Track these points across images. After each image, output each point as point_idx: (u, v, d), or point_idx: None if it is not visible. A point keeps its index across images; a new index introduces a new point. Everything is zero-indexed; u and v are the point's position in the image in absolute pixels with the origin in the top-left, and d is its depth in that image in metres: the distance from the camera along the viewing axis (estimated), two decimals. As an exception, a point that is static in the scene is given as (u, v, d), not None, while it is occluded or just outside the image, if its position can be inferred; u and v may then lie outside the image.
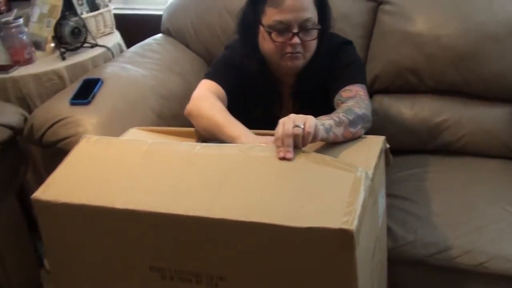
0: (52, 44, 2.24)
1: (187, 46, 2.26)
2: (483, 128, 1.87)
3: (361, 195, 1.02)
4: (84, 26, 2.22)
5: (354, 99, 1.43)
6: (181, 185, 1.12)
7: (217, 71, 1.58)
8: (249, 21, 1.55)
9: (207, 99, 1.46)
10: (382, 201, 1.29)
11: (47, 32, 2.25)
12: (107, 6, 2.46)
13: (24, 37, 2.16)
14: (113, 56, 2.28)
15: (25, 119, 1.85)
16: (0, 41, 2.19)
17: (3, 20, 2.19)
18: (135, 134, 1.46)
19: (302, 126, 1.14)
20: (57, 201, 1.14)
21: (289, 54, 1.49)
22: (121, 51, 2.38)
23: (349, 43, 1.64)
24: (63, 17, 2.18)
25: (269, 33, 1.48)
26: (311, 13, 1.47)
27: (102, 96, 1.81)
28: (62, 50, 2.18)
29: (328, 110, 1.36)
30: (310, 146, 1.19)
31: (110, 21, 2.48)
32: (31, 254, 2.05)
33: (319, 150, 1.23)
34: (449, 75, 1.88)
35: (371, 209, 1.12)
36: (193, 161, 1.17)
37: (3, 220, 1.87)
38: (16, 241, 1.97)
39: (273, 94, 1.63)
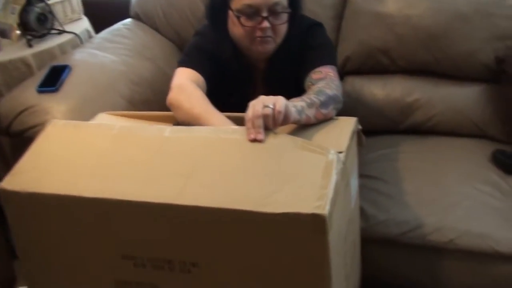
0: (18, 32, 2.19)
1: (157, 30, 2.23)
2: (454, 107, 1.88)
3: (333, 179, 1.01)
4: (51, 12, 2.17)
5: (324, 81, 1.42)
6: (151, 171, 1.10)
7: (192, 58, 1.54)
8: (218, 5, 1.52)
9: (186, 89, 1.42)
10: (354, 183, 1.29)
11: (12, 19, 2.20)
12: (74, -9, 2.41)
13: (-12, 25, 2.12)
14: (81, 43, 2.25)
15: (-8, 109, 1.81)
16: (-36, 30, 2.15)
17: (-34, 7, 2.15)
18: (104, 119, 1.43)
19: (272, 107, 1.13)
20: (24, 191, 1.12)
21: (259, 39, 1.47)
22: (90, 37, 2.35)
23: (319, 25, 1.63)
24: (28, 3, 2.14)
25: (238, 18, 1.45)
26: None
27: (70, 83, 1.78)
28: (29, 37, 2.14)
29: (301, 93, 1.35)
30: (282, 129, 1.18)
31: (78, 6, 2.44)
32: (3, 245, 2.02)
33: (291, 133, 1.22)
34: (420, 55, 1.89)
35: (344, 191, 1.12)
36: (163, 146, 1.16)
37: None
38: (-14, 233, 1.94)
39: (247, 80, 1.62)
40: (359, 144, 1.30)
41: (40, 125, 1.62)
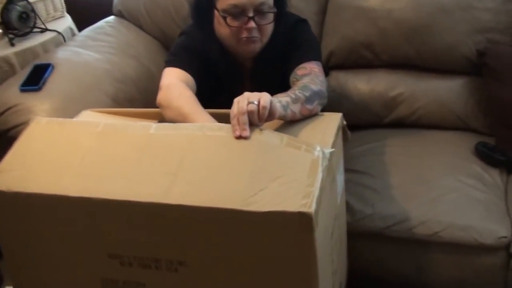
0: (0, 30, 2.17)
1: (141, 28, 2.22)
2: (437, 101, 1.90)
3: (319, 176, 1.01)
4: (33, 10, 2.16)
5: (309, 76, 1.42)
6: (138, 169, 1.10)
7: (179, 58, 1.52)
8: (203, 5, 1.51)
9: (175, 89, 1.41)
10: (340, 178, 1.30)
11: (-6, 18, 2.17)
12: (56, -11, 2.39)
13: (-30, 24, 2.10)
14: (64, 41, 2.23)
15: (-26, 109, 1.79)
16: None
17: None
18: (88, 116, 1.42)
19: (256, 103, 1.13)
20: (9, 190, 1.11)
21: (245, 39, 1.47)
22: (73, 35, 2.33)
23: (303, 21, 1.62)
24: (9, 2, 2.11)
25: (224, 18, 1.44)
26: None
27: (53, 82, 1.77)
28: (11, 36, 2.12)
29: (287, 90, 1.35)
30: (267, 125, 1.18)
31: (60, 4, 2.42)
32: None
33: (277, 129, 1.22)
34: (403, 49, 1.90)
35: (330, 188, 1.12)
36: (149, 143, 1.15)
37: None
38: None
39: (234, 78, 1.61)
40: (344, 139, 1.31)
41: (24, 124, 1.59)
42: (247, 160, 1.07)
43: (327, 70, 1.61)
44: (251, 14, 1.43)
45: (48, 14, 2.36)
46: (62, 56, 1.95)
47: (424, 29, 1.86)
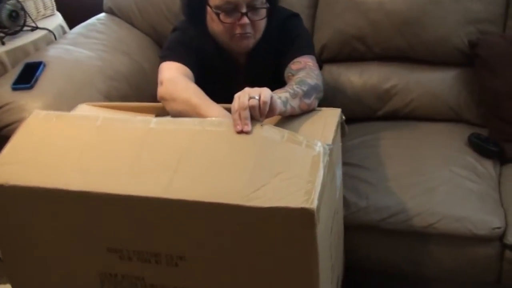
0: (-10, 29, 2.16)
1: (132, 24, 2.21)
2: (430, 92, 1.90)
3: (321, 172, 1.01)
4: (22, 8, 2.14)
5: (304, 71, 1.43)
6: (137, 164, 1.09)
7: (176, 52, 1.51)
8: (195, 2, 1.51)
9: (180, 81, 1.40)
10: (339, 173, 1.30)
11: (-17, 17, 2.16)
12: (45, -13, 2.38)
13: (-40, 23, 2.08)
14: (55, 39, 2.22)
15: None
16: None
17: None
18: (85, 110, 1.41)
19: (257, 98, 1.13)
20: (7, 183, 1.10)
21: (238, 35, 1.46)
22: (64, 33, 2.31)
23: (296, 15, 1.62)
24: (-1, 1, 2.10)
25: (217, 14, 1.44)
26: None
27: (45, 80, 1.76)
28: (1, 34, 2.10)
29: (281, 85, 1.34)
30: (267, 121, 1.18)
31: (50, 2, 2.41)
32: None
33: (277, 124, 1.22)
34: (395, 41, 1.91)
35: (330, 183, 1.13)
36: (149, 138, 1.14)
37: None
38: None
39: (229, 74, 1.61)
40: (342, 134, 1.32)
41: (16, 123, 1.60)
42: (248, 155, 1.07)
43: (321, 63, 1.61)
44: (244, 10, 1.43)
45: (38, 12, 2.34)
46: (53, 54, 1.94)
47: (415, 20, 1.86)
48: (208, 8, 1.47)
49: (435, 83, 1.91)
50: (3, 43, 2.10)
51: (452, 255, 1.53)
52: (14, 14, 2.11)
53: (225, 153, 1.09)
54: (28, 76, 1.75)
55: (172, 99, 1.35)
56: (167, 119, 1.21)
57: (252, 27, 1.47)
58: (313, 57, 1.51)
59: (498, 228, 1.48)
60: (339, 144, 1.29)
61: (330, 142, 1.14)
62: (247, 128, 1.11)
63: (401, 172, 1.65)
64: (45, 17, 2.38)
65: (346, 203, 1.57)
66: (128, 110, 1.41)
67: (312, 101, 1.31)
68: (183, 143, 1.11)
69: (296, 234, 0.98)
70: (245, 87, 1.19)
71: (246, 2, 1.42)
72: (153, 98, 1.75)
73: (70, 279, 1.20)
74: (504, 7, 1.87)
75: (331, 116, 1.26)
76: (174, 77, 1.42)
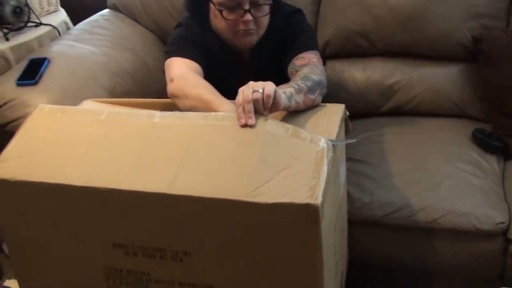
0: (-6, 25, 2.16)
1: (136, 21, 2.21)
2: (433, 88, 1.90)
3: (325, 168, 1.01)
4: (26, 4, 2.14)
5: (308, 66, 1.43)
6: (142, 158, 1.09)
7: (183, 48, 1.51)
8: None
9: (190, 78, 1.40)
10: (343, 170, 1.31)
11: (-13, 13, 2.16)
12: (49, -17, 2.38)
13: (-36, 19, 2.08)
14: (59, 35, 2.22)
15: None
16: None
17: None
18: (90, 106, 1.41)
19: (261, 91, 1.14)
20: (13, 179, 1.10)
21: (241, 31, 1.46)
22: (68, 29, 2.31)
23: (299, 11, 1.63)
24: (3, -4, 2.10)
25: (220, 11, 1.44)
26: None
27: (50, 76, 1.76)
28: (5, 30, 2.10)
29: (285, 81, 1.35)
30: (272, 116, 1.18)
31: (54, -2, 2.41)
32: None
33: (281, 119, 1.22)
34: (398, 37, 1.91)
35: (334, 179, 1.13)
36: (153, 132, 1.14)
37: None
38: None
39: (232, 70, 1.61)
40: (346, 131, 1.32)
41: (21, 119, 1.61)
42: (252, 151, 1.07)
43: (324, 59, 1.62)
44: (247, 7, 1.43)
45: (42, 8, 2.34)
46: (57, 50, 1.94)
47: (419, 16, 1.86)
48: (211, 5, 1.47)
49: (439, 78, 1.91)
50: (7, 39, 2.10)
51: (455, 250, 1.53)
52: (18, 10, 2.11)
53: (230, 148, 1.09)
54: (32, 72, 1.76)
55: (184, 96, 1.35)
56: (172, 113, 1.20)
57: (255, 24, 1.47)
58: (317, 53, 1.52)
59: (502, 223, 1.48)
60: (343, 139, 1.29)
61: (334, 137, 1.14)
62: (251, 121, 1.11)
63: (404, 167, 1.65)
64: (49, 13, 2.38)
65: (350, 198, 1.57)
66: (133, 106, 1.40)
67: (316, 96, 1.31)
68: (188, 137, 1.11)
69: (300, 230, 0.98)
70: (249, 81, 1.19)
71: None
72: (157, 94, 1.77)
73: (75, 274, 1.20)
74: (507, 2, 1.87)
75: (335, 112, 1.26)
76: (184, 73, 1.42)
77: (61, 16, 2.38)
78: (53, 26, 2.22)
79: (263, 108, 1.14)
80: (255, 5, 1.44)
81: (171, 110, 1.34)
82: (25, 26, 2.17)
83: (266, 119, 1.13)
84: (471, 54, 1.86)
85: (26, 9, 2.15)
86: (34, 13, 2.22)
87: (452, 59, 1.91)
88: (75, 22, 2.30)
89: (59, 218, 1.13)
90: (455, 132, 1.80)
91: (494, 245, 1.50)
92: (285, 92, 1.21)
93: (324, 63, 1.60)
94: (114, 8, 2.25)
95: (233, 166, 1.05)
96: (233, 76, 1.59)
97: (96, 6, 2.32)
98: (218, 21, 1.48)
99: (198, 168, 1.05)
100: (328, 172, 1.02)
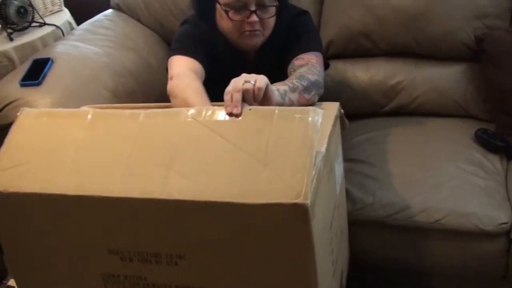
0: (-2, 25, 2.17)
1: (139, 21, 2.21)
2: (436, 88, 1.90)
3: (312, 162, 0.99)
4: (30, 5, 2.15)
5: (306, 66, 1.43)
6: (131, 162, 1.08)
7: (186, 46, 1.50)
8: None
9: (184, 79, 1.39)
10: (339, 168, 1.30)
11: (-8, 13, 2.17)
12: (53, -17, 2.39)
13: (-32, 20, 2.09)
14: (63, 35, 2.23)
15: (-25, 104, 1.79)
16: None
17: None
18: None
19: (252, 82, 1.13)
20: (6, 191, 1.10)
21: (247, 33, 1.46)
22: (72, 29, 2.32)
23: (305, 13, 1.62)
24: (7, -4, 2.11)
25: (226, 12, 1.44)
26: None
27: (53, 76, 1.77)
28: (9, 31, 2.11)
29: None
30: None
31: (58, -2, 2.42)
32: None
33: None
34: (401, 37, 1.90)
35: (327, 178, 1.12)
36: (140, 133, 1.12)
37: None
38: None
39: (237, 70, 1.60)
40: (342, 128, 1.31)
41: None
42: (239, 146, 1.04)
43: (327, 62, 1.61)
44: (253, 8, 1.43)
45: (46, 8, 2.35)
46: (61, 50, 1.94)
47: (421, 16, 1.86)
48: (218, 5, 1.47)
49: (442, 78, 1.90)
50: (11, 39, 2.11)
51: (458, 250, 1.53)
52: (22, 10, 2.12)
53: (217, 144, 1.06)
54: (36, 72, 1.76)
55: (175, 96, 1.35)
56: (156, 111, 1.16)
57: (261, 25, 1.47)
58: (318, 54, 1.51)
59: (505, 223, 1.48)
60: (338, 138, 1.28)
61: (327, 136, 1.13)
62: (237, 110, 1.07)
63: (407, 168, 1.65)
64: (53, 13, 2.39)
65: (352, 199, 1.57)
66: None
67: (312, 96, 1.31)
68: (175, 137, 1.10)
69: (291, 230, 0.97)
70: None
71: (256, 0, 1.42)
72: (160, 94, 1.77)
73: (74, 281, 1.20)
74: (511, 2, 1.86)
75: (329, 110, 1.25)
76: (181, 73, 1.41)
77: (65, 16, 2.38)
78: (57, 26, 2.23)
79: (253, 99, 1.12)
80: (261, 6, 1.44)
81: None
82: (29, 26, 2.18)
83: (250, 109, 1.10)
84: (474, 54, 1.86)
85: (30, 9, 2.16)
86: (38, 13, 2.23)
87: (456, 59, 1.90)
88: (78, 22, 2.31)
89: (53, 227, 1.13)
90: (458, 132, 1.80)
91: (497, 245, 1.50)
92: (278, 89, 1.21)
93: (328, 66, 1.60)
94: (118, 8, 2.26)
95: (221, 165, 1.03)
96: (237, 75, 1.59)
97: (100, 6, 2.33)
98: (224, 21, 1.48)
99: (187, 169, 1.04)
100: (319, 170, 1.01)
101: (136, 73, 1.97)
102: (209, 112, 1.12)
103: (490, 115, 1.85)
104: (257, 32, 1.47)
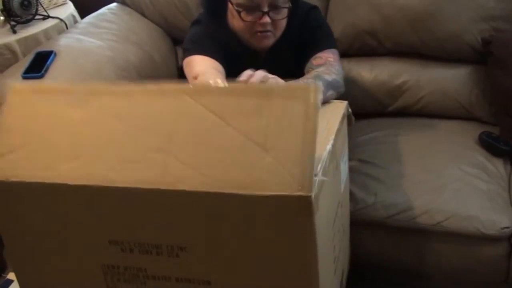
0: (2, 18, 2.16)
1: (143, 15, 2.20)
2: (441, 89, 1.89)
3: (315, 148, 0.95)
4: (35, -3, 2.15)
5: (324, 66, 1.43)
6: (128, 146, 1.04)
7: (204, 46, 1.50)
8: None
9: (211, 76, 1.38)
10: (344, 167, 1.29)
11: (-5, 5, 2.17)
12: (58, -24, 2.38)
13: (-29, 11, 2.09)
14: (67, 28, 2.22)
15: (-23, 96, 1.79)
16: None
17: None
18: None
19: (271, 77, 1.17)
20: (8, 179, 1.08)
21: (259, 33, 1.46)
22: (75, 22, 2.32)
23: (315, 8, 1.62)
24: (11, -11, 2.11)
25: (238, 12, 1.43)
26: None
27: (56, 69, 1.76)
28: (13, 23, 2.11)
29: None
30: None
31: (62, -9, 2.41)
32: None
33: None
34: (407, 36, 1.89)
35: (333, 174, 1.12)
36: (134, 111, 1.07)
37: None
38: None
39: (250, 67, 1.60)
40: (349, 124, 1.31)
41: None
42: (238, 127, 1.00)
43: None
44: (265, 9, 1.42)
45: (50, 1, 2.35)
46: (64, 43, 1.94)
47: (428, 16, 1.84)
48: (230, 5, 1.46)
49: (447, 80, 1.89)
50: (14, 32, 2.10)
51: (459, 254, 1.52)
52: (26, 2, 2.12)
53: (214, 127, 1.01)
54: (38, 65, 1.75)
55: None
56: (150, 88, 1.09)
57: (273, 26, 1.46)
58: (335, 51, 1.52)
59: (507, 228, 1.47)
60: (345, 137, 1.28)
61: (333, 134, 1.14)
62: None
63: (410, 169, 1.64)
64: (57, 6, 2.39)
65: (354, 199, 1.56)
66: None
67: (328, 96, 1.31)
68: (171, 118, 1.05)
69: (294, 222, 0.96)
70: None
71: (268, 1, 1.41)
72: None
73: (73, 271, 1.20)
74: (519, 5, 1.84)
75: (337, 109, 1.26)
76: (206, 71, 1.41)
77: (69, 9, 2.38)
78: (61, 19, 2.23)
79: None
80: (274, 7, 1.43)
81: None
82: (33, 18, 2.17)
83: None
84: (481, 56, 1.84)
85: (34, 1, 2.15)
86: (42, 6, 2.23)
87: (461, 60, 1.89)
88: (82, 16, 2.30)
89: (53, 216, 1.12)
90: (462, 134, 1.79)
91: (499, 249, 1.49)
92: None
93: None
94: (122, 2, 2.25)
95: (220, 150, 0.99)
96: None
97: (105, -1, 2.33)
98: (236, 21, 1.47)
99: (186, 153, 1.01)
100: (325, 166, 1.01)
101: (139, 67, 1.96)
102: (207, 91, 1.08)
103: (495, 118, 1.83)
104: (268, 33, 1.47)
